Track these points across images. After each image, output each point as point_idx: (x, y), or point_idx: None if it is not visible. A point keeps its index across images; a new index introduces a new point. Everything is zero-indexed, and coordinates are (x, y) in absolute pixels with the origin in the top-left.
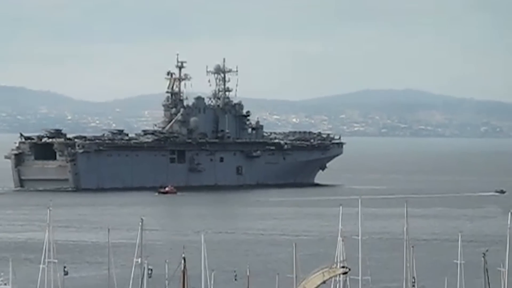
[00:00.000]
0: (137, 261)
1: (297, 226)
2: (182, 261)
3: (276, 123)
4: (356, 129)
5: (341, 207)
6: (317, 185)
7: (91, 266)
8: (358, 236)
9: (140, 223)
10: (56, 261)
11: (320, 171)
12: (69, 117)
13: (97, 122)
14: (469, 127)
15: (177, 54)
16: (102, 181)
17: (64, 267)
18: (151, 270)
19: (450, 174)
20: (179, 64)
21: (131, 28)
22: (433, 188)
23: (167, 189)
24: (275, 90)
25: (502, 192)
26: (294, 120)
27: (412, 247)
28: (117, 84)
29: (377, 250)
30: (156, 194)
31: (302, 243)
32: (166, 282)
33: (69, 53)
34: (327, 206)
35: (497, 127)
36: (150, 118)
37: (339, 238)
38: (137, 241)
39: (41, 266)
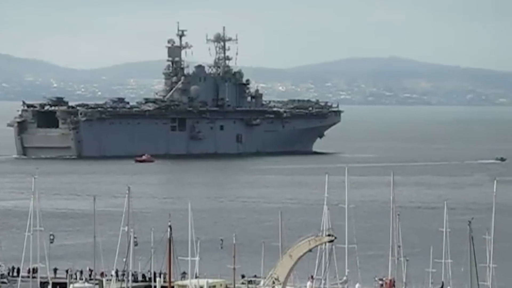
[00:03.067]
0: (124, 230)
1: (286, 194)
2: (168, 229)
3: (262, 91)
4: (342, 97)
5: (327, 176)
6: (315, 153)
7: (78, 234)
8: (344, 204)
9: (127, 192)
10: (42, 229)
11: (318, 139)
12: (55, 85)
13: (83, 90)
14: (455, 95)
15: (178, 22)
16: (104, 149)
17: (51, 234)
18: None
19: (438, 143)
20: (180, 32)
21: None
22: (422, 156)
23: (144, 157)
24: (261, 58)
25: (503, 159)
26: (280, 88)
27: (398, 215)
28: (103, 52)
29: (364, 219)
30: (133, 162)
31: (290, 211)
32: (152, 250)
33: (56, 21)
34: (319, 175)
35: (483, 95)
36: (136, 86)
37: (325, 207)
38: (124, 209)
39: (26, 234)
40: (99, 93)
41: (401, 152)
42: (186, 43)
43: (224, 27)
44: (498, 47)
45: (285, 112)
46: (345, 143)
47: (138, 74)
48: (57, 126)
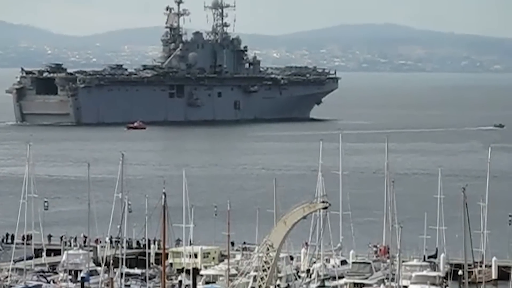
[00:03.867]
0: (118, 196)
1: (282, 161)
2: (163, 196)
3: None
4: (336, 63)
5: (321, 143)
6: (312, 119)
7: (73, 201)
8: (339, 171)
9: (121, 158)
10: (36, 195)
11: (316, 105)
12: (49, 52)
13: (77, 57)
14: (449, 62)
15: None
16: (103, 116)
17: (45, 201)
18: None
19: (433, 109)
20: None
21: None
22: (417, 123)
23: (135, 124)
24: (255, 25)
25: (501, 126)
26: (275, 55)
27: (393, 181)
28: (97, 18)
29: (358, 186)
30: (125, 129)
31: (285, 178)
32: (146, 217)
33: None
34: (315, 141)
35: (477, 62)
36: (130, 53)
37: (319, 173)
38: (118, 176)
39: (21, 201)
40: (94, 59)
41: (396, 119)
42: (184, 10)
43: None
44: (493, 13)
45: (282, 79)
46: (341, 110)
47: (132, 41)
48: (56, 93)
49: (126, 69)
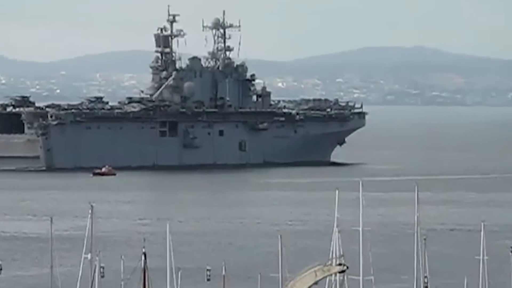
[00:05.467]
0: (86, 257)
1: (291, 214)
2: (142, 257)
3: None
4: (356, 95)
5: (337, 191)
6: (334, 163)
7: (33, 263)
8: (358, 226)
9: (90, 211)
10: None
11: (338, 146)
12: (3, 81)
13: (37, 87)
14: (494, 93)
15: (169, 6)
16: (79, 159)
17: None
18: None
19: (473, 151)
20: (171, 17)
21: None
22: (454, 168)
23: (103, 169)
24: (257, 48)
25: None
26: (280, 84)
27: (424, 239)
28: (62, 41)
29: (383, 244)
30: (91, 175)
31: (294, 235)
32: (122, 282)
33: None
34: (332, 190)
35: None
36: (104, 82)
37: (335, 229)
38: (87, 232)
39: None
40: (58, 90)
41: (428, 163)
42: (178, 30)
43: (224, 11)
44: None
45: (298, 114)
46: (365, 152)
47: (105, 67)
48: (23, 132)
49: (107, 102)
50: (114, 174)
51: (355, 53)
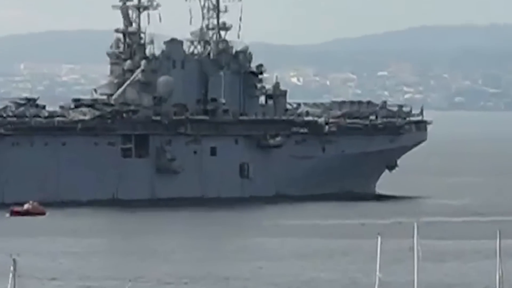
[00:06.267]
0: None
1: (307, 270)
2: None
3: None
4: (407, 95)
5: (379, 239)
6: (381, 197)
7: None
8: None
9: (12, 266)
10: None
11: (387, 171)
12: None
13: None
14: None
15: None
16: (3, 190)
17: None
18: None
19: None
20: None
21: None
22: None
23: (26, 206)
24: (266, 28)
25: None
26: (294, 80)
27: None
28: None
29: None
30: (7, 215)
31: None
32: None
33: None
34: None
35: None
36: (30, 77)
37: None
38: None
39: None
40: None
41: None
42: (150, 1)
43: None
44: None
45: (327, 123)
46: (422, 178)
47: (33, 54)
48: None
49: (44, 107)
50: (43, 214)
51: (405, 34)
